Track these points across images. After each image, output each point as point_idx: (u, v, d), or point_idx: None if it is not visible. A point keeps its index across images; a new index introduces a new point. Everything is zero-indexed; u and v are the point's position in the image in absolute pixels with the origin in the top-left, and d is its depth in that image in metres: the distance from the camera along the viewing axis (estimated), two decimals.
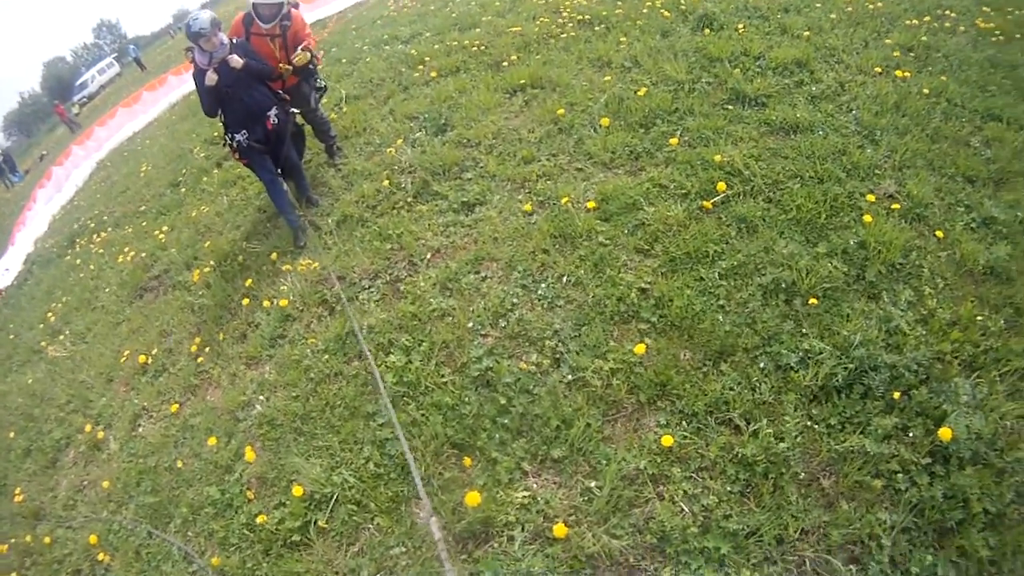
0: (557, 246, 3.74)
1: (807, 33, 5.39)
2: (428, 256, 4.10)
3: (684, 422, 2.78)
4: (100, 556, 3.54)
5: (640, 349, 2.98)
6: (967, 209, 3.51)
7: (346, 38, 10.82)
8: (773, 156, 3.97)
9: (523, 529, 2.59)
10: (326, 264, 4.42)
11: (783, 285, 3.13)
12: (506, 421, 2.93)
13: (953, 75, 4.66)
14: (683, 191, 3.84)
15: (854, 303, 3.04)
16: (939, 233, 3.33)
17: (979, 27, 5.35)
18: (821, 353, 2.82)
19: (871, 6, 5.88)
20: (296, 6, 5.04)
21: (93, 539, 3.64)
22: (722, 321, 3.06)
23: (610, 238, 3.67)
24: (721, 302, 3.16)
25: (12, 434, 5.33)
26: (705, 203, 3.68)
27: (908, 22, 5.53)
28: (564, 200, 4.00)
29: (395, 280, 4.06)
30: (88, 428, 4.60)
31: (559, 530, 2.48)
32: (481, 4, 9.01)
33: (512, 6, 8.37)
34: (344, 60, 8.92)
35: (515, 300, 3.50)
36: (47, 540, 3.95)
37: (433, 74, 6.75)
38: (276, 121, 4.68)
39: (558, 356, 3.15)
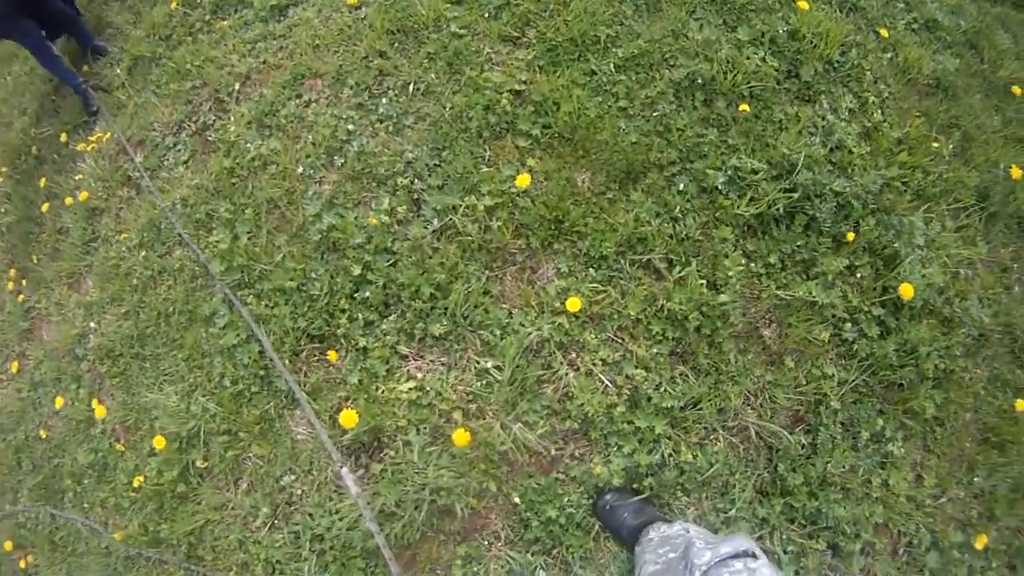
0: (396, 45, 2.67)
1: None
2: (237, 87, 2.93)
3: (591, 269, 2.09)
4: (22, 563, 2.88)
5: (524, 181, 2.16)
6: (907, 7, 2.87)
7: None
8: None
9: (419, 432, 1.95)
10: (120, 129, 3.16)
11: (700, 81, 2.32)
12: (367, 296, 2.15)
13: None
14: None
15: (787, 107, 2.33)
16: (883, 31, 2.64)
17: None
18: (757, 173, 2.13)
19: None
20: None
21: (8, 545, 2.93)
22: (626, 129, 2.26)
23: (465, 26, 2.63)
24: (622, 103, 2.33)
25: None
26: None
27: None
28: None
29: (202, 128, 2.93)
30: None
31: (460, 438, 1.85)
32: None
33: None
34: None
35: (351, 127, 2.52)
36: None
37: None
38: None
39: (416, 196, 2.30)
